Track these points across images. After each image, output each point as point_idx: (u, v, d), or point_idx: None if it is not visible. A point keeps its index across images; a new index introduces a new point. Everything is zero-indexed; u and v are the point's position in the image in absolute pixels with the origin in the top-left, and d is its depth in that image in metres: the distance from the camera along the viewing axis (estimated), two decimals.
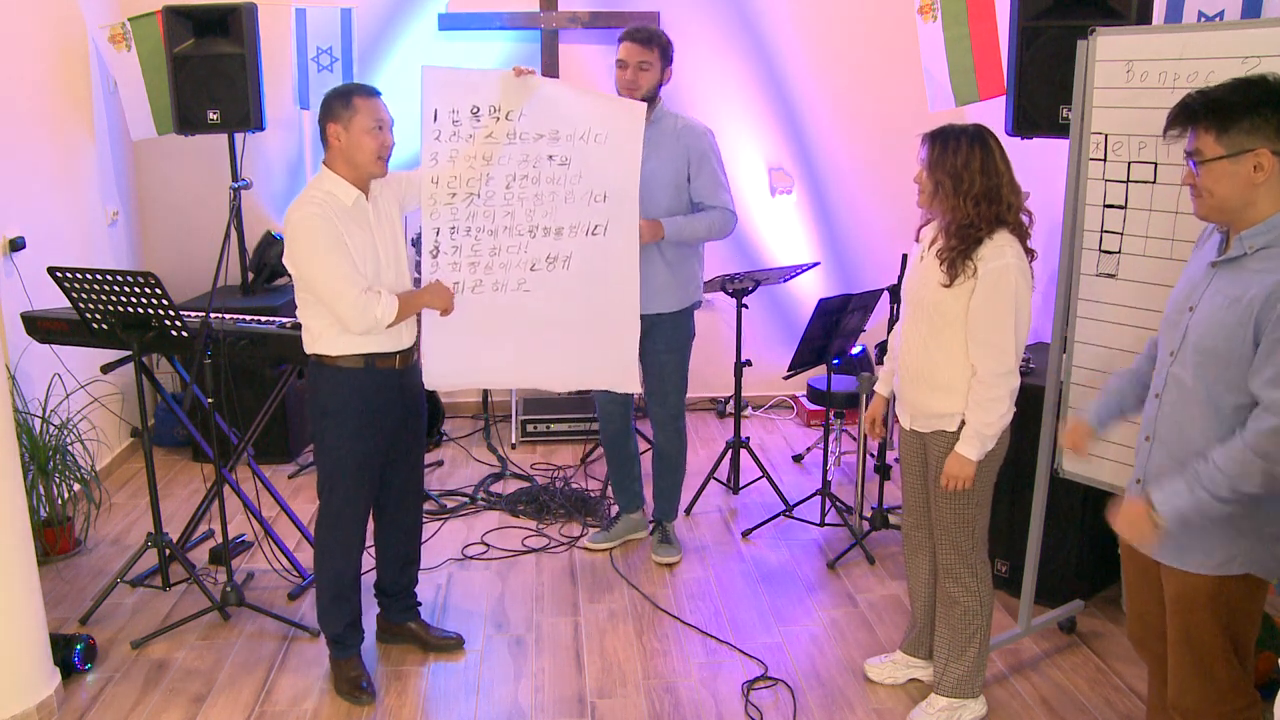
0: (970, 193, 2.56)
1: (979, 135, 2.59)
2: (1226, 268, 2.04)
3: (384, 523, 3.21)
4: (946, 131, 2.61)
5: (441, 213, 3.05)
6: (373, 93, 2.85)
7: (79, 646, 3.14)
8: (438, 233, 3.06)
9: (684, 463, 3.94)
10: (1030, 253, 2.64)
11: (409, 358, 3.02)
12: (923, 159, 2.64)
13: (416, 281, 3.24)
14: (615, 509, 4.10)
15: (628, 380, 3.40)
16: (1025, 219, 2.64)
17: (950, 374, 2.68)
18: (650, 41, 3.52)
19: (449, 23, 5.10)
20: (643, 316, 3.46)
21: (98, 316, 3.26)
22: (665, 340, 3.66)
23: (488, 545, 4.04)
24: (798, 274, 4.61)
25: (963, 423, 2.68)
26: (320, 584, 3.08)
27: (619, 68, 3.53)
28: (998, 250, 2.57)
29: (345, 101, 2.81)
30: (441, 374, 3.21)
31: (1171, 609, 2.17)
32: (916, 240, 2.81)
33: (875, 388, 3.06)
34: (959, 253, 2.59)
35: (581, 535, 4.12)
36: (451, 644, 3.32)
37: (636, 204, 3.28)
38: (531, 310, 3.21)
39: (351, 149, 2.82)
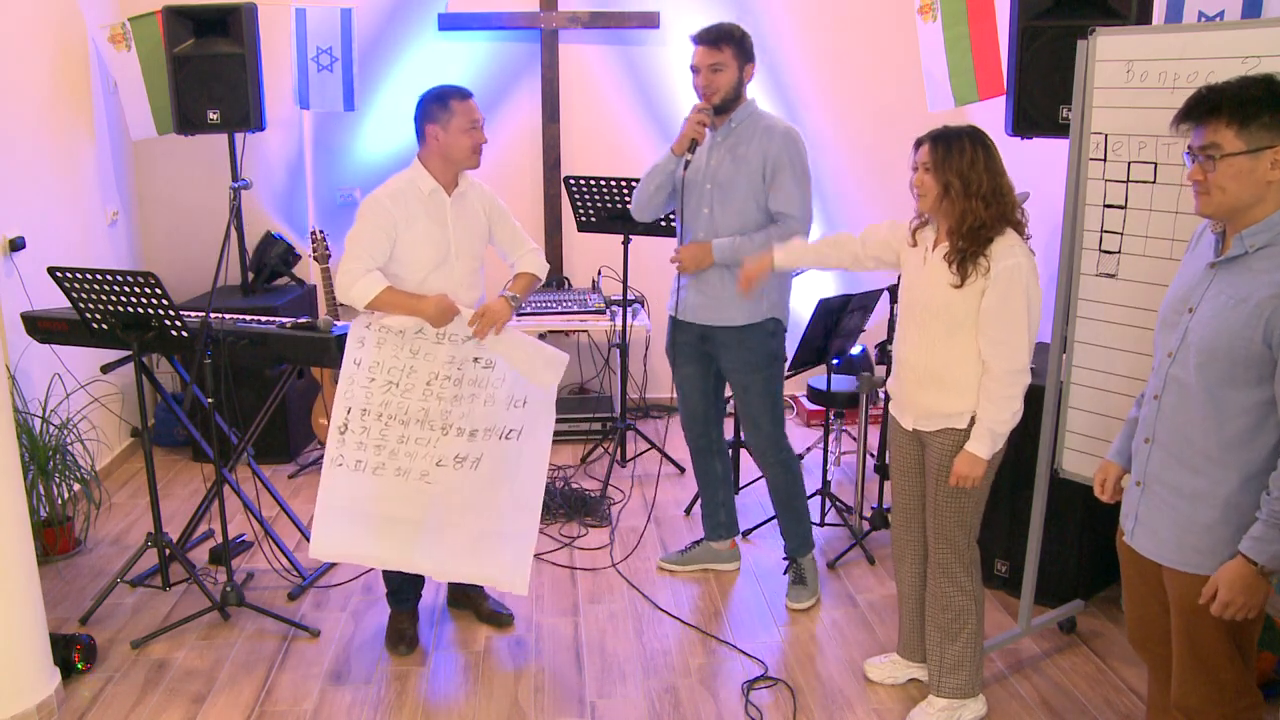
0: (980, 193, 2.57)
1: (978, 135, 2.61)
2: (1227, 267, 2.04)
3: None
4: (947, 133, 2.61)
5: (356, 393, 3.03)
6: (466, 95, 3.04)
7: (79, 646, 3.14)
8: (349, 411, 3.03)
9: (799, 494, 3.60)
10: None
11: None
12: (923, 162, 2.63)
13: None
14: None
15: (516, 581, 3.24)
16: (1020, 216, 2.66)
17: (961, 373, 2.68)
18: (719, 41, 3.26)
19: (449, 23, 5.10)
20: (708, 329, 3.43)
21: (98, 316, 3.26)
22: (738, 359, 3.43)
23: None
24: (798, 274, 4.61)
25: (972, 420, 2.68)
26: None
27: (693, 73, 3.32)
28: (1008, 249, 2.58)
29: (443, 104, 3.01)
30: (328, 548, 3.12)
31: (1175, 610, 2.17)
32: (912, 244, 2.80)
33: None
34: (970, 254, 2.59)
35: (580, 535, 4.12)
36: (502, 619, 3.47)
37: (554, 414, 3.23)
38: (430, 501, 3.13)
39: (449, 147, 3.02)
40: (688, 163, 3.37)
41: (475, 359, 3.11)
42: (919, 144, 2.66)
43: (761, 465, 3.59)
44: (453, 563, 3.20)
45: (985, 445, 2.65)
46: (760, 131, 3.31)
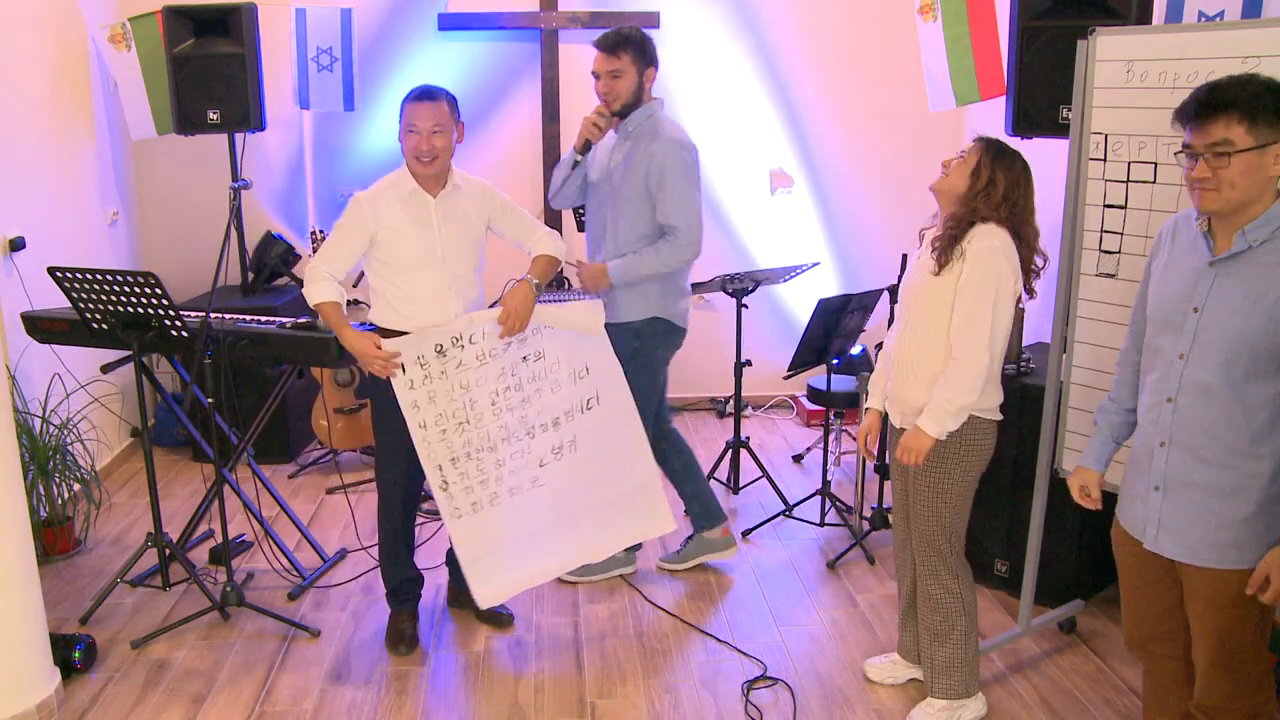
0: (988, 192, 2.59)
1: (1027, 166, 2.64)
2: (1230, 265, 2.04)
3: None
4: (1006, 145, 2.64)
5: (438, 450, 3.06)
6: (417, 97, 3.00)
7: (79, 646, 3.14)
8: (440, 469, 3.07)
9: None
10: (1034, 275, 2.68)
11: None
12: (969, 153, 2.64)
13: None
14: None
15: (663, 523, 3.34)
16: (1039, 260, 2.67)
17: (933, 367, 2.66)
18: (617, 48, 3.32)
19: (449, 23, 5.10)
20: (609, 324, 3.40)
21: (98, 316, 3.26)
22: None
23: None
24: (798, 274, 4.61)
25: None
26: (379, 536, 3.32)
27: (594, 79, 3.38)
28: (987, 232, 2.59)
29: (401, 105, 3.02)
30: (494, 592, 3.19)
31: (1203, 609, 2.15)
32: (921, 243, 2.80)
33: (868, 403, 3.02)
34: (949, 240, 2.61)
35: None
36: (502, 619, 3.47)
37: (616, 361, 3.23)
38: (552, 498, 3.20)
39: (402, 148, 3.03)
40: (576, 162, 3.45)
41: (524, 358, 3.13)
42: (977, 139, 2.67)
43: None
44: (600, 540, 3.30)
45: (931, 423, 2.61)
46: (650, 139, 3.34)
